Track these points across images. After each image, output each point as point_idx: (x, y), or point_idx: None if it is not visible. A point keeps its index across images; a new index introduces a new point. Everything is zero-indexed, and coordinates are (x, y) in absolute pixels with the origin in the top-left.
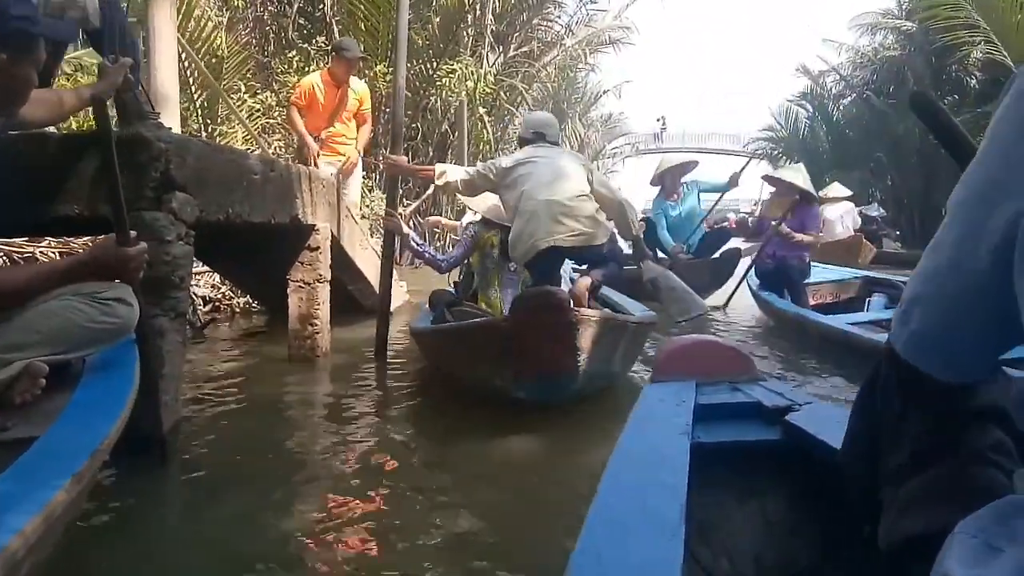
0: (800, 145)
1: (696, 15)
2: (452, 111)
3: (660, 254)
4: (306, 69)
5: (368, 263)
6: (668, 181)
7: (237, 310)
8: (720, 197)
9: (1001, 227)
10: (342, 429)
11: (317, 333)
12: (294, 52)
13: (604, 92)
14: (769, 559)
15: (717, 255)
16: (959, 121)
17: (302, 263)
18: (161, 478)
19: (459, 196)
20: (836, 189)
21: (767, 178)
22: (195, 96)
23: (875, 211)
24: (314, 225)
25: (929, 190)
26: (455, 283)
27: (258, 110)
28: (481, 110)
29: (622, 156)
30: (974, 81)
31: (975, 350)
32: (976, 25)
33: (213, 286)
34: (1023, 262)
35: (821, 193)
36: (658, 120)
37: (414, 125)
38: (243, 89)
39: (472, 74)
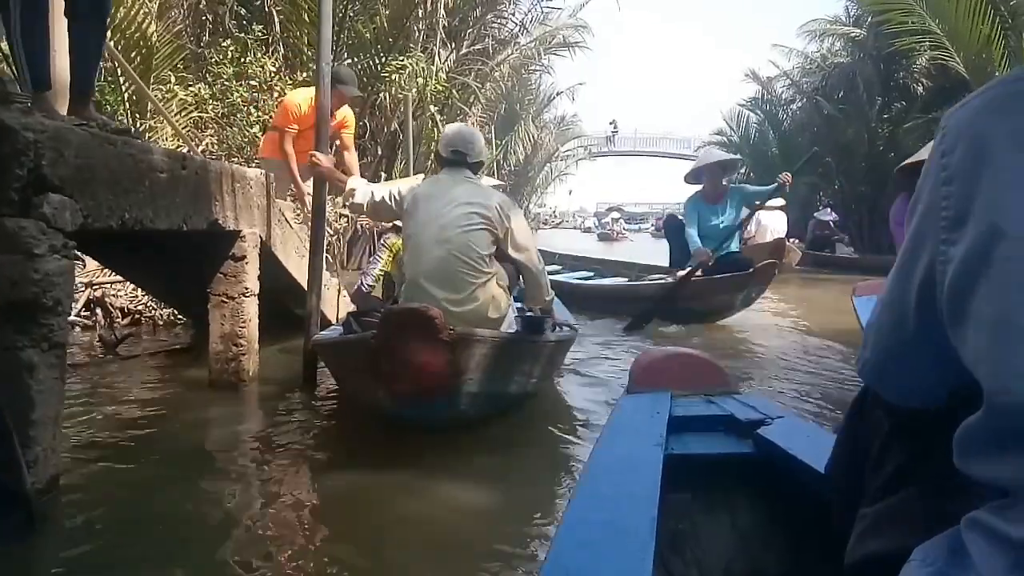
0: (750, 149)
1: (650, 19)
2: (402, 109)
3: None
4: (242, 60)
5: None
6: (707, 180)
7: (160, 323)
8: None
9: (924, 268)
10: (263, 477)
11: (243, 355)
12: (229, 41)
13: (558, 94)
14: (739, 570)
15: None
16: (907, 127)
17: (225, 274)
18: (24, 554)
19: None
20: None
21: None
22: (124, 88)
23: (828, 216)
24: (239, 231)
25: (877, 195)
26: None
27: (190, 103)
28: (432, 108)
29: (575, 158)
30: (921, 88)
31: (918, 381)
32: (927, 31)
33: (133, 297)
34: (951, 310)
35: (758, 201)
36: (610, 123)
37: (362, 122)
38: (173, 80)
39: (423, 71)
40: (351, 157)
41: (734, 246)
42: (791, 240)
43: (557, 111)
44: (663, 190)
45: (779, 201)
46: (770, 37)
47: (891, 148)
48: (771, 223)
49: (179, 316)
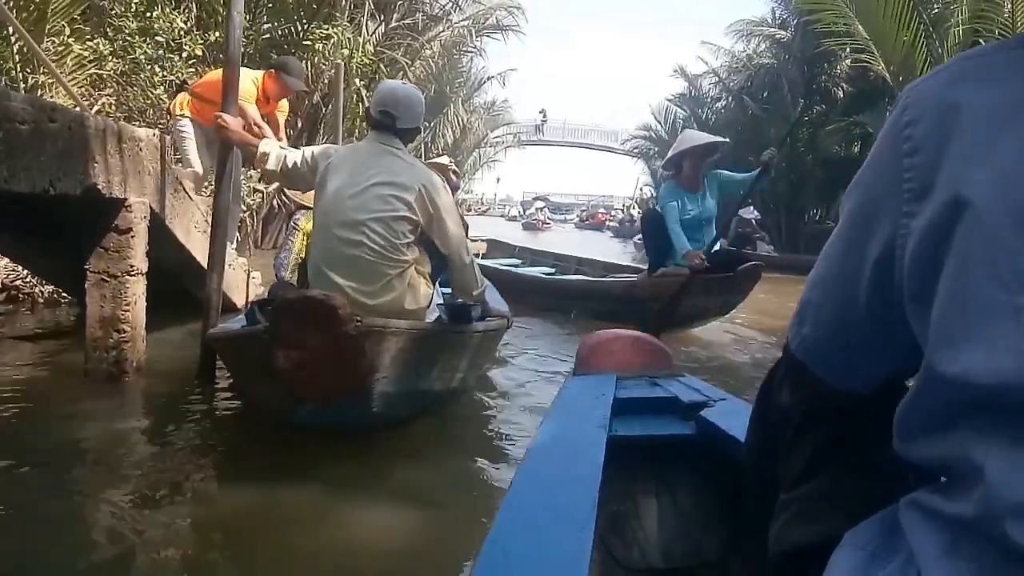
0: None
1: (583, 9)
2: (326, 81)
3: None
4: (147, 15)
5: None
6: (688, 164)
7: (40, 300)
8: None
9: (881, 243)
10: (136, 492)
11: (125, 342)
12: None
13: (489, 78)
14: (678, 550)
15: (738, 270)
16: (828, 130)
17: (106, 249)
18: None
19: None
20: None
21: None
22: (13, 40)
23: (751, 214)
24: (124, 199)
25: (795, 195)
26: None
27: (88, 58)
28: (358, 83)
29: (504, 145)
30: (841, 92)
31: (863, 361)
32: (853, 34)
33: (12, 270)
34: (912, 285)
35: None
36: (540, 112)
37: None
38: (68, 32)
39: (349, 42)
40: (282, 136)
41: (712, 238)
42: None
43: (487, 96)
44: (589, 182)
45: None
46: (704, 31)
47: (811, 150)
48: None
49: (63, 294)
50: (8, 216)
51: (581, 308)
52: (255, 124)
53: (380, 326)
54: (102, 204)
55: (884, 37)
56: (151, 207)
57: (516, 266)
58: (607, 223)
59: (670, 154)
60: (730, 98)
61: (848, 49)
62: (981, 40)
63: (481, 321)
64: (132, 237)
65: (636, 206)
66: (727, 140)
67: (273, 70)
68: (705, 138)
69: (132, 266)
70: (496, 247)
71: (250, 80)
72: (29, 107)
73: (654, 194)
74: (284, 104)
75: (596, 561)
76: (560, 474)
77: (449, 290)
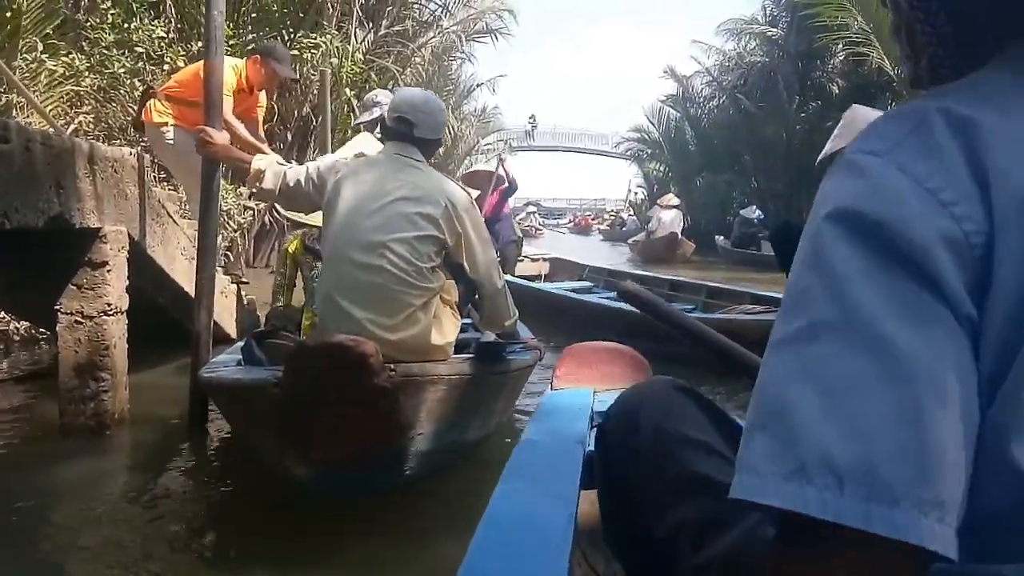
0: (671, 147)
1: (572, 13)
2: (314, 91)
3: None
4: (125, 26)
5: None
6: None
7: (16, 338)
8: None
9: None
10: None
11: (105, 392)
12: (110, 3)
13: (478, 85)
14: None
15: None
16: (826, 127)
17: (79, 287)
18: None
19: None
20: (669, 198)
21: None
22: None
23: (754, 213)
24: (98, 229)
25: (792, 193)
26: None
27: (64, 75)
28: (349, 92)
29: (495, 152)
30: (836, 88)
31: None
32: (849, 26)
33: None
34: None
35: (659, 201)
36: (529, 118)
37: (269, 104)
38: (40, 48)
39: (338, 50)
40: (260, 139)
41: None
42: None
43: (478, 103)
44: (581, 186)
45: (674, 200)
46: (692, 26)
47: (809, 147)
48: (667, 220)
49: (41, 330)
50: None
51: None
52: (243, 137)
53: (417, 375)
54: (72, 236)
55: (884, 27)
56: (130, 235)
57: (586, 290)
58: (595, 227)
59: (833, 144)
60: (723, 97)
61: (843, 43)
62: None
63: (515, 354)
64: (109, 271)
65: (630, 209)
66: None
67: (258, 55)
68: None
69: (110, 304)
70: (561, 268)
71: (229, 68)
72: None
73: (645, 196)
74: (263, 98)
75: None
76: (537, 490)
77: (468, 321)
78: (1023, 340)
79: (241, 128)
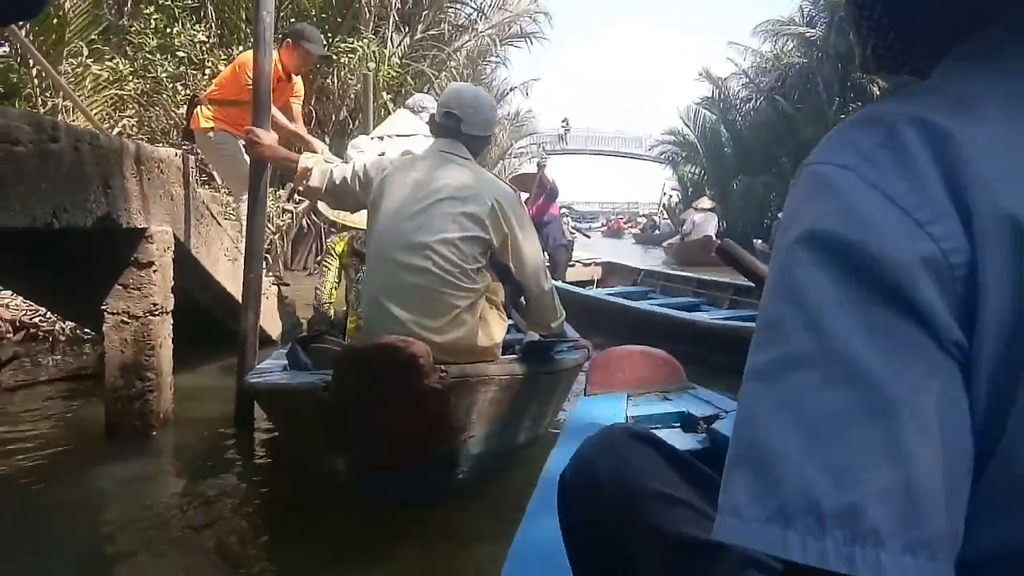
0: (706, 150)
1: (604, 16)
2: (352, 95)
3: None
4: (168, 31)
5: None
6: None
7: (62, 338)
8: None
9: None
10: None
11: (150, 392)
12: (153, 9)
13: (512, 89)
14: None
15: None
16: None
17: (125, 286)
18: None
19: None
20: (703, 201)
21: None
22: (30, 62)
23: None
24: (144, 229)
25: None
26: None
27: (108, 79)
28: (385, 96)
29: (528, 156)
30: (877, 88)
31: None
32: None
33: (28, 307)
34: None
35: (693, 204)
36: (562, 121)
37: (308, 109)
38: (86, 53)
39: (375, 55)
40: (302, 129)
41: None
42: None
43: (511, 107)
44: (613, 190)
45: (708, 203)
46: (709, 24)
47: None
48: (700, 220)
49: (86, 330)
50: (11, 251)
51: None
52: (286, 127)
53: (470, 375)
54: (118, 235)
55: None
56: (175, 236)
57: (644, 296)
58: (627, 231)
59: None
60: (761, 99)
61: None
62: None
63: (562, 353)
64: (155, 272)
65: (664, 212)
66: None
67: (289, 40)
68: None
69: (155, 304)
70: (614, 272)
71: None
72: (25, 125)
73: (680, 200)
74: (300, 87)
75: None
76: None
77: (511, 322)
78: (1017, 379)
79: (281, 117)
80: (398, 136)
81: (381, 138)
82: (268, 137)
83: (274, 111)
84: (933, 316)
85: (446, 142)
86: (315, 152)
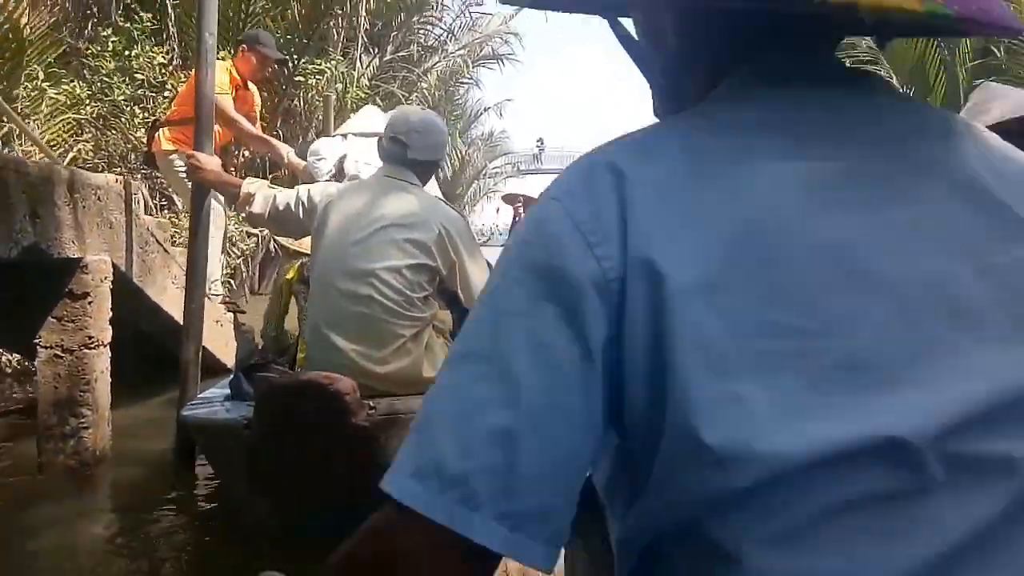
0: None
1: (576, 36)
2: (319, 117)
3: None
4: (127, 53)
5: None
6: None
7: (8, 370)
8: None
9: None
10: None
11: (85, 428)
12: (110, 31)
13: (485, 110)
14: None
15: None
16: None
17: (59, 319)
18: None
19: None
20: None
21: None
22: None
23: None
24: (79, 259)
25: None
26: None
27: (64, 103)
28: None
29: (503, 176)
30: None
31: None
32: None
33: None
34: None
35: None
36: (537, 141)
37: (275, 131)
38: (41, 77)
39: (343, 76)
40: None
41: None
42: None
43: (485, 127)
44: None
45: None
46: None
47: None
48: None
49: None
50: None
51: None
52: (250, 132)
53: (400, 411)
54: (50, 266)
55: (895, 50)
56: (114, 265)
57: None
58: None
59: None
60: None
61: (850, 62)
62: (993, 49)
63: None
64: (90, 303)
65: None
66: None
67: (244, 46)
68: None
69: (91, 337)
70: None
71: (223, 70)
72: None
73: None
74: (256, 98)
75: None
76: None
77: None
78: (663, 387)
79: (247, 124)
80: (362, 135)
81: (345, 136)
82: (211, 162)
83: (239, 118)
84: (591, 332)
85: (392, 168)
86: (282, 156)
